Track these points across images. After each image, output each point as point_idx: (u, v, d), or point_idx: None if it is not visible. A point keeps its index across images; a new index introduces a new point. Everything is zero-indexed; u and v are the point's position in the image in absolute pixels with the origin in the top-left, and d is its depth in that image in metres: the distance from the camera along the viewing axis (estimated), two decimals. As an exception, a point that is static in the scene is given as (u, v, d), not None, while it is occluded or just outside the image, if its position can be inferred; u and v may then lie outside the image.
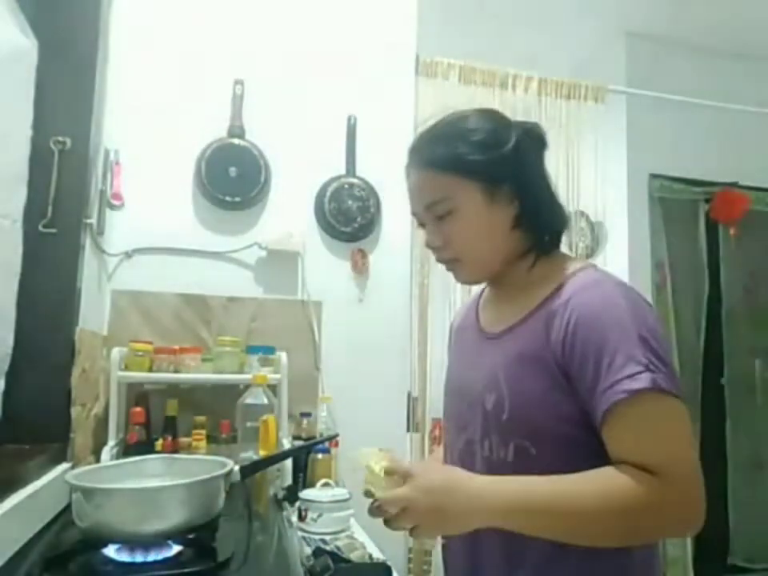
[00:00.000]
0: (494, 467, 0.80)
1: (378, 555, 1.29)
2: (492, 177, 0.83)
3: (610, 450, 0.72)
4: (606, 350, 0.71)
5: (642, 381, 0.68)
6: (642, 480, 0.68)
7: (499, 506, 0.71)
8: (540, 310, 0.81)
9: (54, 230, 1.33)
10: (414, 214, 0.91)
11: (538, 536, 0.72)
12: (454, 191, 0.83)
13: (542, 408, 0.76)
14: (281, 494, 1.45)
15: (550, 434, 0.76)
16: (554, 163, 2.39)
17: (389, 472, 0.75)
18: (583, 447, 0.75)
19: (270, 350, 1.83)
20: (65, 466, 1.32)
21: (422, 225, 0.91)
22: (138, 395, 1.72)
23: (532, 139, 0.88)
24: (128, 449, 1.54)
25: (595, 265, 0.87)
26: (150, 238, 1.89)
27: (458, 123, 0.87)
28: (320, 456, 1.74)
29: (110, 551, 0.95)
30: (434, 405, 2.14)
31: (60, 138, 1.34)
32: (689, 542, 2.84)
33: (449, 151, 0.83)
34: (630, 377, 0.69)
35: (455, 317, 1.10)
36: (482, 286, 1.00)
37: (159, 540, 0.96)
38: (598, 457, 0.73)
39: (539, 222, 0.87)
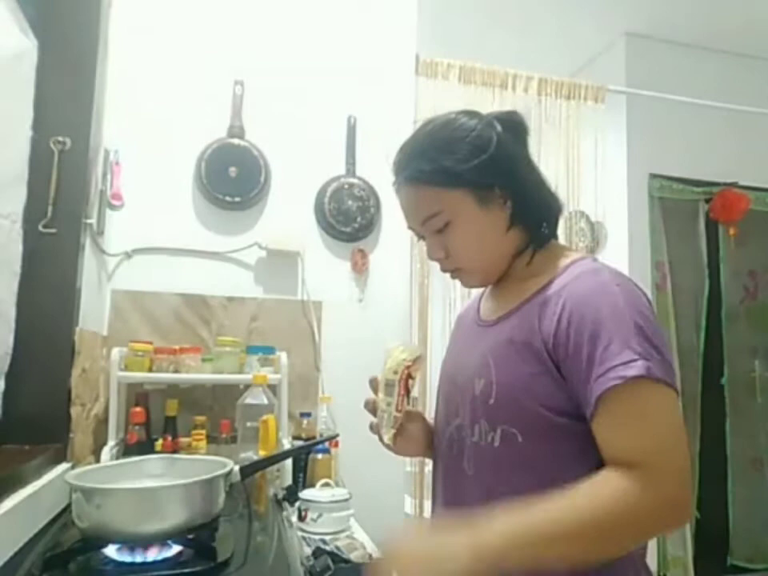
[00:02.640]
0: (481, 452, 0.81)
1: (378, 555, 1.29)
2: (481, 182, 0.83)
3: (599, 440, 0.72)
4: (601, 338, 0.71)
5: (637, 368, 0.68)
6: (628, 489, 0.67)
7: (497, 542, 0.68)
8: (534, 298, 0.81)
9: (53, 230, 1.32)
10: (410, 228, 0.91)
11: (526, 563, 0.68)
12: (446, 204, 0.83)
13: (528, 393, 0.76)
14: (281, 494, 1.45)
15: (536, 421, 0.76)
16: (554, 163, 2.40)
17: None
18: (570, 436, 0.75)
19: (270, 350, 1.83)
20: (65, 465, 1.32)
21: (420, 238, 0.91)
22: (137, 395, 1.72)
23: (512, 130, 0.87)
24: (128, 449, 1.54)
25: (593, 255, 0.87)
26: (149, 238, 1.89)
27: (438, 133, 0.86)
28: (320, 456, 1.73)
29: (110, 551, 0.95)
30: (435, 405, 2.14)
31: (60, 138, 1.34)
32: (689, 541, 2.84)
33: (435, 165, 0.83)
34: (624, 364, 0.69)
35: (461, 309, 1.11)
36: None
37: (159, 540, 0.95)
38: (585, 446, 0.73)
39: (534, 217, 0.87)
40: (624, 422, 0.70)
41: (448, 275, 0.92)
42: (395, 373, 0.86)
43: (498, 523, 0.69)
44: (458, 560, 0.67)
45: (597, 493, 0.68)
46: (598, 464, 0.72)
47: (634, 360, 0.69)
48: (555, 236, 0.91)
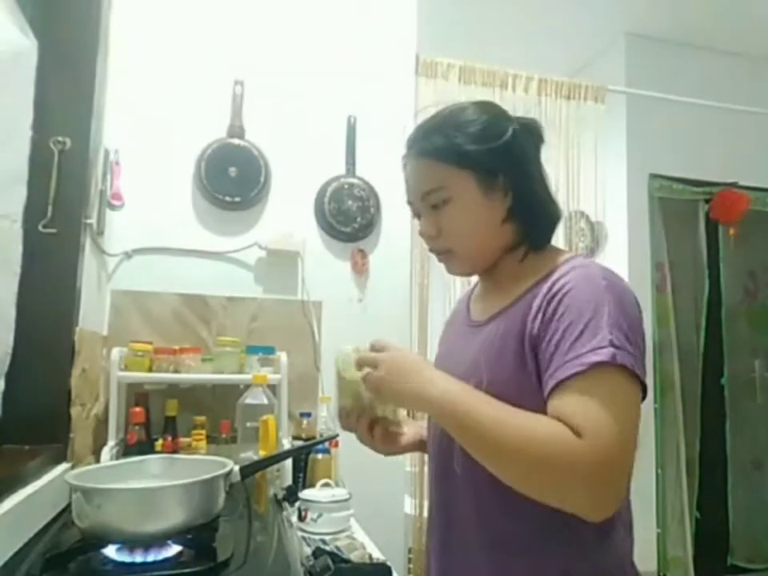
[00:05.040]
0: None
1: (377, 555, 1.29)
2: (487, 168, 0.84)
3: (549, 410, 0.71)
4: (577, 325, 0.72)
5: (602, 355, 0.69)
6: (566, 433, 0.67)
7: (441, 402, 0.74)
8: (527, 294, 0.82)
9: (53, 230, 1.32)
10: (409, 203, 0.92)
11: (458, 436, 0.74)
12: (449, 181, 0.84)
13: (518, 392, 0.75)
14: (281, 494, 1.45)
15: None
16: (554, 163, 2.39)
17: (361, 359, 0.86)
18: None
19: (270, 350, 1.83)
20: (65, 466, 1.32)
21: (417, 215, 0.92)
22: (137, 395, 1.72)
23: (530, 134, 0.89)
24: (128, 449, 1.53)
25: (585, 255, 0.87)
26: (149, 238, 1.89)
27: (456, 115, 0.87)
28: (320, 456, 1.74)
29: (110, 551, 0.95)
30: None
31: (60, 138, 1.34)
32: (689, 541, 2.84)
33: (446, 141, 0.84)
34: (592, 350, 0.70)
35: (449, 315, 1.11)
36: (475, 281, 1.01)
37: (159, 540, 0.95)
38: None
39: (531, 216, 0.87)
40: (579, 397, 0.69)
41: (446, 275, 0.92)
42: None
43: (446, 384, 0.76)
44: (427, 391, 0.76)
45: (537, 421, 0.69)
46: None
47: (602, 347, 0.69)
48: (549, 242, 0.90)
